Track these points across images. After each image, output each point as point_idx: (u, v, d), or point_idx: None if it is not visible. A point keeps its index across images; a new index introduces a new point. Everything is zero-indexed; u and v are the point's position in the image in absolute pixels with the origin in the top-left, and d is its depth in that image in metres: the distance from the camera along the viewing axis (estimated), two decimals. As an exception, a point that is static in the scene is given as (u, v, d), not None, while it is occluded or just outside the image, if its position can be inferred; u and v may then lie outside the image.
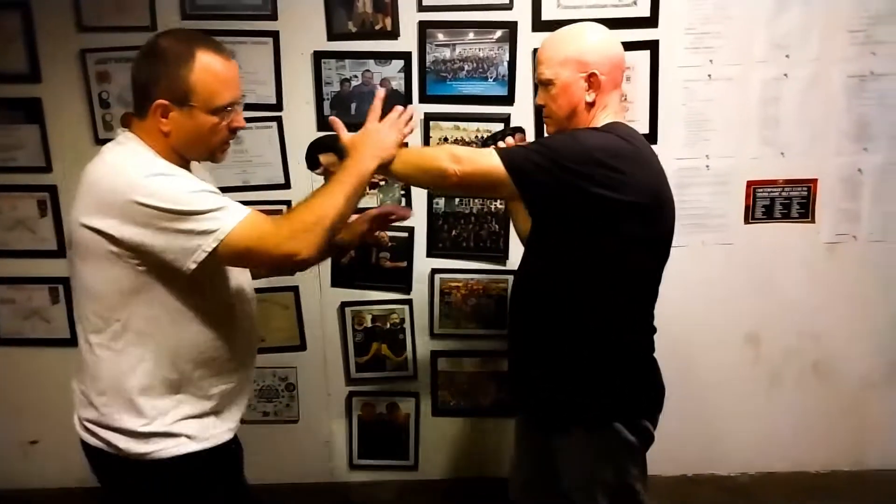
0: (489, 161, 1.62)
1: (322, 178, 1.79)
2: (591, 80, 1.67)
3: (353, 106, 2.50)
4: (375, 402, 2.79)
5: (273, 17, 2.47)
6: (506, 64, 2.48)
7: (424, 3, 2.45)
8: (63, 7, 2.45)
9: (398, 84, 2.50)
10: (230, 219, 1.41)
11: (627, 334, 1.71)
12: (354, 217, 1.88)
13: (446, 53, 2.48)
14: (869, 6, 2.46)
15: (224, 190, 1.55)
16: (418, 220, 2.58)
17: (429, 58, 2.48)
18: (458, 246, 2.64)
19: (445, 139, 2.51)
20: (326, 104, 2.52)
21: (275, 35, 2.47)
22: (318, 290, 2.68)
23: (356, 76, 2.50)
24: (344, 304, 2.69)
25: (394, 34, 2.48)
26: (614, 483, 1.71)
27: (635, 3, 2.44)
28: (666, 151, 2.50)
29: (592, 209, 1.58)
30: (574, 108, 1.70)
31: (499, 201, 2.56)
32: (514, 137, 1.91)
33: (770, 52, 2.49)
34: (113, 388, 1.49)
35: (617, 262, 1.63)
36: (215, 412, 1.59)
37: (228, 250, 1.41)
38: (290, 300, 2.67)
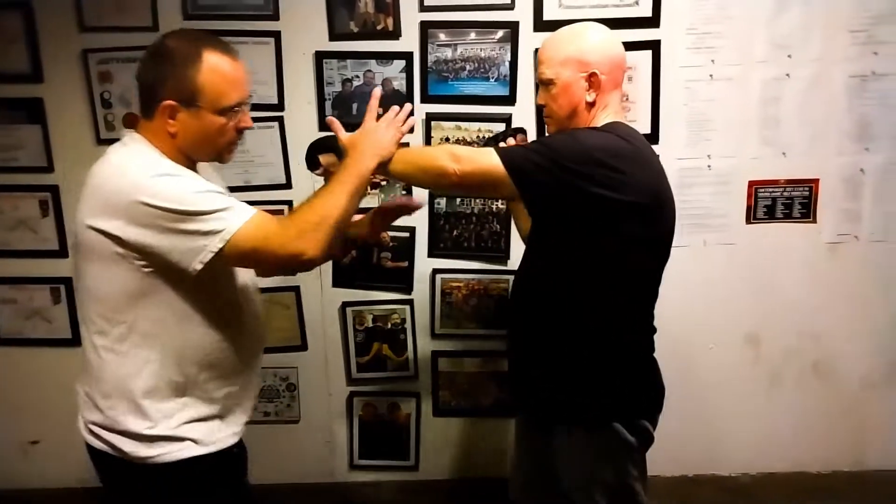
0: (489, 160, 1.62)
1: (322, 178, 1.79)
2: (592, 80, 1.67)
3: (355, 106, 2.50)
4: (376, 403, 2.79)
5: (275, 17, 2.47)
6: (507, 64, 2.48)
7: (426, 4, 2.45)
8: (65, 7, 2.45)
9: (400, 84, 2.51)
10: (236, 219, 1.40)
11: (627, 334, 1.70)
12: (358, 217, 1.87)
13: (448, 53, 2.48)
14: (870, 6, 2.46)
15: (225, 190, 1.55)
16: (420, 220, 2.58)
17: (430, 58, 2.48)
18: (460, 246, 2.64)
19: (447, 139, 2.51)
20: (328, 104, 2.52)
21: (276, 35, 2.47)
22: (319, 290, 2.68)
23: (358, 76, 2.50)
24: (345, 304, 2.69)
25: (395, 34, 2.48)
26: (614, 483, 1.71)
27: (637, 3, 2.44)
28: (667, 151, 2.51)
29: (592, 209, 1.58)
30: (574, 108, 1.70)
31: (500, 201, 2.56)
32: (515, 138, 1.91)
33: (771, 52, 2.49)
34: (118, 391, 1.48)
35: (617, 262, 1.63)
36: (221, 416, 1.59)
37: (234, 251, 1.40)
38: (291, 300, 2.67)
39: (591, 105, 1.69)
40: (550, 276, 1.70)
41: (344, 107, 2.50)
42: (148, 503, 1.56)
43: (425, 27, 2.46)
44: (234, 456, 1.63)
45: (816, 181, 2.59)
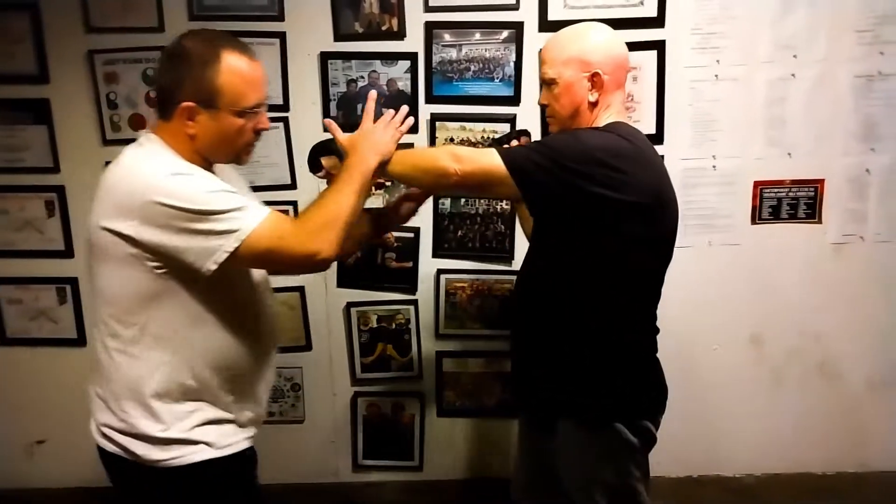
0: (490, 160, 1.62)
1: (324, 181, 1.81)
2: (595, 80, 1.67)
3: (360, 107, 2.50)
4: (381, 403, 2.79)
5: (280, 17, 2.47)
6: (512, 64, 2.48)
7: (431, 4, 2.45)
8: (71, 8, 2.46)
9: (404, 84, 2.51)
10: (251, 219, 1.40)
11: (628, 334, 1.70)
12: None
13: (452, 54, 2.48)
14: (876, 6, 2.45)
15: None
16: (424, 220, 2.58)
17: (435, 58, 2.48)
18: (464, 246, 2.64)
19: (451, 139, 2.51)
20: (333, 105, 2.52)
21: (281, 36, 2.48)
22: (323, 290, 2.68)
23: (363, 77, 2.51)
24: (349, 305, 2.69)
25: (400, 35, 2.48)
26: (615, 484, 1.71)
27: (642, 3, 2.44)
28: (672, 152, 2.51)
29: (593, 209, 1.58)
30: (577, 108, 1.70)
31: (504, 202, 2.56)
32: (518, 140, 1.91)
33: (777, 52, 2.49)
34: (130, 393, 1.48)
35: (618, 262, 1.63)
36: (234, 419, 1.58)
37: (249, 251, 1.40)
38: (295, 300, 2.67)
39: (593, 105, 1.70)
40: (552, 276, 1.71)
41: (349, 107, 2.51)
42: None
43: (430, 28, 2.46)
44: (247, 459, 1.62)
45: (822, 182, 2.58)
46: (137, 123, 2.52)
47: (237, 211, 1.40)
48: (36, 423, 2.80)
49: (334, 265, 2.63)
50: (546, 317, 1.72)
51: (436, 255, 2.65)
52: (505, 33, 2.46)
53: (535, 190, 1.61)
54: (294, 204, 2.55)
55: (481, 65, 2.48)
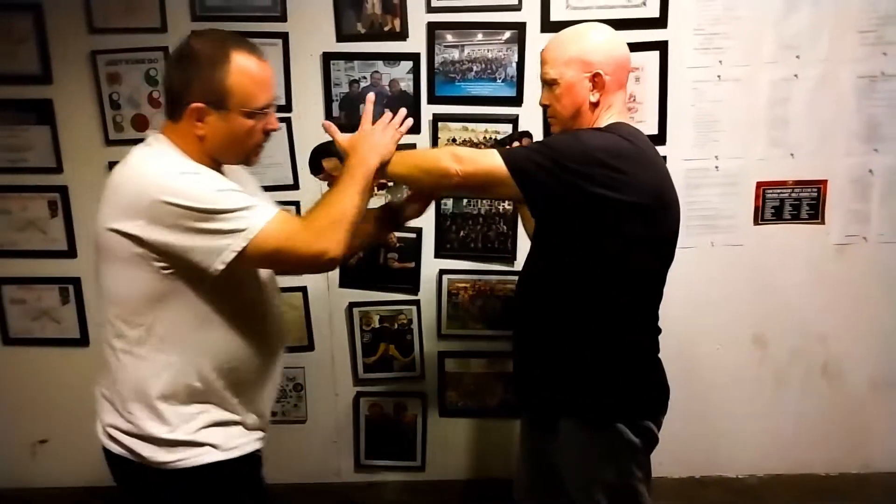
0: (491, 161, 1.62)
1: (325, 183, 1.81)
2: (596, 81, 1.67)
3: (362, 107, 2.49)
4: (383, 403, 2.79)
5: (282, 18, 2.47)
6: (514, 65, 2.48)
7: (433, 5, 2.45)
8: (74, 9, 2.47)
9: (407, 85, 2.51)
10: (259, 218, 1.39)
11: (629, 335, 1.70)
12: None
13: (455, 54, 2.48)
14: (879, 6, 2.45)
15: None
16: (426, 221, 2.57)
17: (437, 59, 2.48)
18: (466, 247, 2.64)
19: (454, 140, 2.51)
20: (335, 105, 2.52)
21: (284, 36, 2.48)
22: (326, 290, 2.69)
23: (365, 77, 2.51)
24: (352, 305, 2.70)
25: (402, 35, 2.48)
26: (616, 484, 1.71)
27: (644, 3, 2.44)
28: (675, 152, 2.51)
29: (593, 209, 1.58)
30: (578, 109, 1.70)
31: (506, 202, 2.56)
32: (520, 142, 1.91)
33: (779, 52, 2.48)
34: (136, 394, 1.47)
35: (619, 262, 1.63)
36: (241, 421, 1.57)
37: (257, 250, 1.39)
38: (298, 300, 2.67)
39: (594, 105, 1.70)
40: (553, 277, 1.71)
41: (351, 108, 2.51)
42: None
43: (432, 28, 2.46)
44: (255, 461, 1.62)
45: (825, 182, 2.58)
46: (140, 124, 2.53)
47: (245, 210, 1.39)
48: (38, 423, 2.81)
49: (337, 265, 2.63)
50: (547, 317, 1.72)
51: (438, 255, 2.65)
52: (507, 34, 2.46)
53: (535, 190, 1.61)
54: (297, 204, 2.55)
55: (483, 65, 2.48)
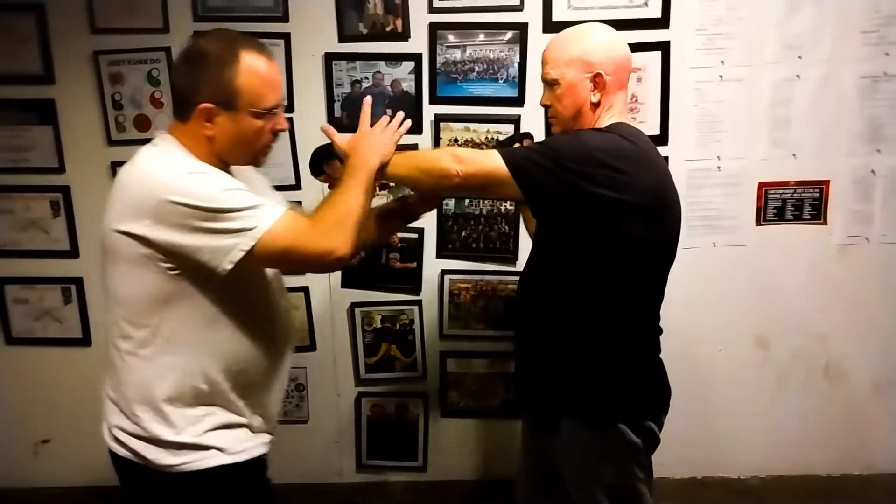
0: (492, 161, 1.62)
1: (326, 185, 1.81)
2: (597, 81, 1.67)
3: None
4: (384, 403, 2.79)
5: (284, 18, 2.48)
6: (516, 65, 2.48)
7: (435, 5, 2.45)
8: (77, 9, 2.47)
9: (409, 85, 2.51)
10: (267, 217, 1.38)
11: (629, 335, 1.70)
12: None
13: (457, 55, 2.48)
14: (882, 6, 2.44)
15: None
16: (428, 221, 2.58)
17: (439, 59, 2.49)
18: (468, 247, 2.64)
19: (455, 140, 2.51)
20: (337, 105, 2.53)
21: (286, 37, 2.48)
22: (328, 290, 2.69)
23: (367, 78, 2.51)
24: (354, 305, 2.70)
25: (404, 36, 2.48)
26: (617, 484, 1.71)
27: (646, 4, 2.44)
28: (677, 152, 2.51)
29: (593, 209, 1.58)
30: (579, 109, 1.70)
31: (508, 203, 2.56)
32: (521, 144, 1.91)
33: (782, 52, 2.48)
34: (142, 397, 1.46)
35: (618, 262, 1.63)
36: (248, 424, 1.56)
37: (265, 249, 1.38)
38: (300, 301, 2.67)
39: (595, 106, 1.70)
40: (553, 277, 1.71)
41: (353, 108, 2.50)
42: None
43: (434, 28, 2.47)
44: (261, 465, 1.60)
45: (827, 183, 2.57)
46: (142, 124, 2.53)
47: (253, 209, 1.38)
48: (41, 423, 2.81)
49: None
50: (547, 317, 1.72)
51: (440, 255, 2.65)
52: (509, 34, 2.46)
53: (536, 191, 1.61)
54: (299, 204, 2.55)
55: (485, 66, 2.48)
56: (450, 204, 2.60)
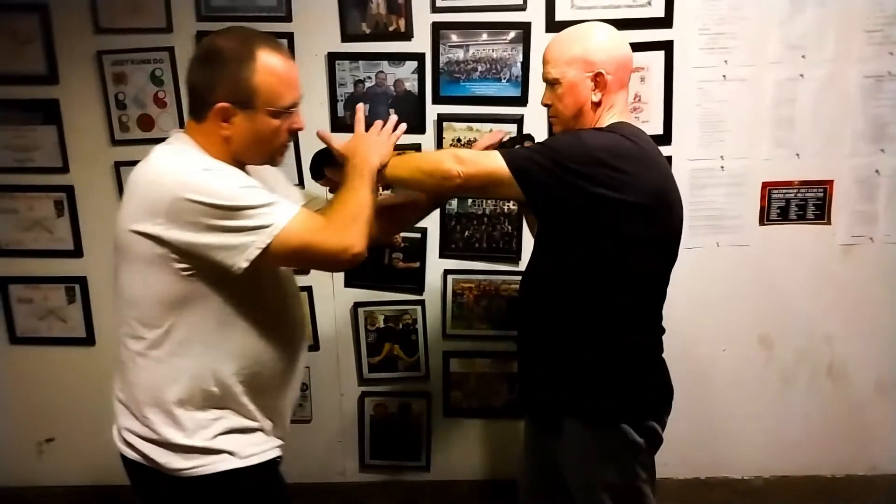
0: (493, 162, 1.63)
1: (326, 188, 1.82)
2: (598, 80, 1.67)
3: (367, 107, 2.49)
4: (388, 403, 2.79)
5: (287, 18, 2.48)
6: (519, 65, 2.48)
7: (438, 5, 2.45)
8: (80, 9, 2.48)
9: (412, 85, 2.51)
10: (283, 214, 1.37)
11: (630, 335, 1.70)
12: None
13: (460, 54, 2.48)
14: (886, 6, 2.44)
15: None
16: (431, 221, 2.57)
17: (442, 59, 2.48)
18: (471, 247, 2.63)
19: (458, 140, 2.51)
20: (340, 105, 2.53)
21: (289, 36, 2.48)
22: (331, 290, 2.69)
23: (370, 77, 2.51)
24: (357, 305, 2.70)
25: (407, 35, 2.48)
26: (620, 484, 1.70)
27: (650, 3, 2.43)
28: (680, 152, 2.51)
29: (594, 209, 1.58)
30: (580, 108, 1.70)
31: (511, 202, 2.56)
32: (523, 145, 1.91)
33: (785, 52, 2.48)
34: (153, 399, 1.45)
35: (619, 262, 1.63)
36: (260, 427, 1.54)
37: (282, 247, 1.36)
38: (303, 300, 2.67)
39: (596, 105, 1.69)
40: (554, 277, 1.71)
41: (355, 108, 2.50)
42: None
43: (437, 28, 2.47)
44: (274, 470, 1.58)
45: (831, 182, 2.57)
46: (145, 124, 2.54)
47: (269, 206, 1.37)
48: (45, 422, 2.82)
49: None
50: (548, 317, 1.72)
51: (443, 255, 2.65)
52: (512, 34, 2.46)
53: (537, 191, 1.61)
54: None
55: (488, 65, 2.48)
56: (453, 204, 2.60)
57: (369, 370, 2.75)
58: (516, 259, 2.63)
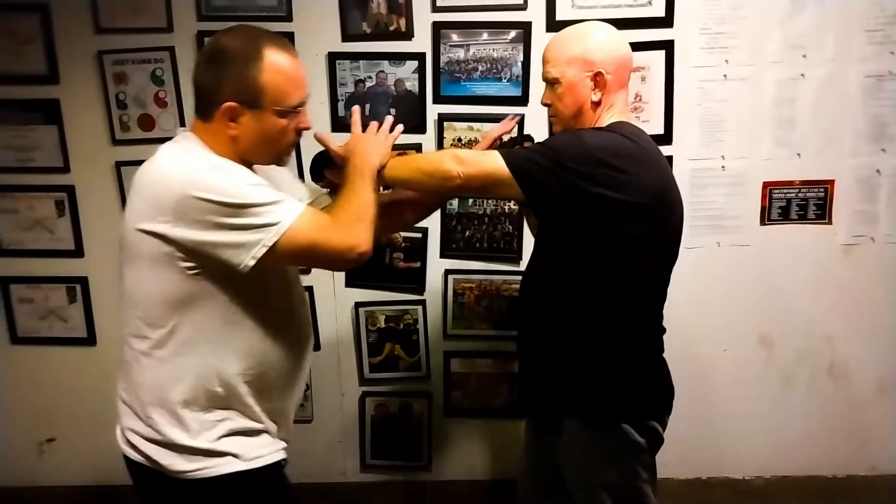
0: (493, 163, 1.63)
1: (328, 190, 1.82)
2: (597, 80, 1.67)
3: (368, 107, 2.50)
4: (388, 403, 2.79)
5: (288, 18, 2.48)
6: (520, 64, 2.48)
7: (438, 4, 2.45)
8: (81, 9, 2.48)
9: (412, 85, 2.51)
10: (290, 213, 1.37)
11: (629, 335, 1.69)
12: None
13: (460, 54, 2.48)
14: (886, 5, 2.44)
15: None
16: (432, 220, 2.57)
17: (443, 58, 2.48)
18: (472, 247, 2.63)
19: (459, 140, 2.51)
20: (341, 105, 2.53)
21: (289, 36, 2.47)
22: (332, 290, 2.69)
23: (370, 77, 2.51)
24: (358, 305, 2.70)
25: (408, 35, 2.48)
26: (621, 485, 1.70)
27: (650, 3, 2.43)
28: (681, 152, 2.51)
29: (594, 209, 1.58)
30: (580, 108, 1.70)
31: (512, 202, 2.56)
32: (522, 146, 1.91)
33: (786, 52, 2.48)
34: (157, 399, 1.44)
35: (618, 262, 1.63)
36: (265, 430, 1.53)
37: (289, 245, 1.36)
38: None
39: (596, 105, 1.69)
40: (554, 277, 1.71)
41: (356, 108, 2.50)
42: None
43: (438, 28, 2.47)
44: (278, 472, 1.56)
45: (832, 182, 2.57)
46: (146, 124, 2.54)
47: (276, 204, 1.36)
48: (46, 422, 2.82)
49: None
50: (548, 317, 1.72)
51: (443, 255, 2.65)
52: (512, 33, 2.46)
53: (537, 191, 1.61)
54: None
55: (489, 65, 2.48)
56: (454, 204, 2.60)
57: (370, 370, 2.75)
58: (517, 259, 2.63)
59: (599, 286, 1.65)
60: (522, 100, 2.50)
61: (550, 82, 1.72)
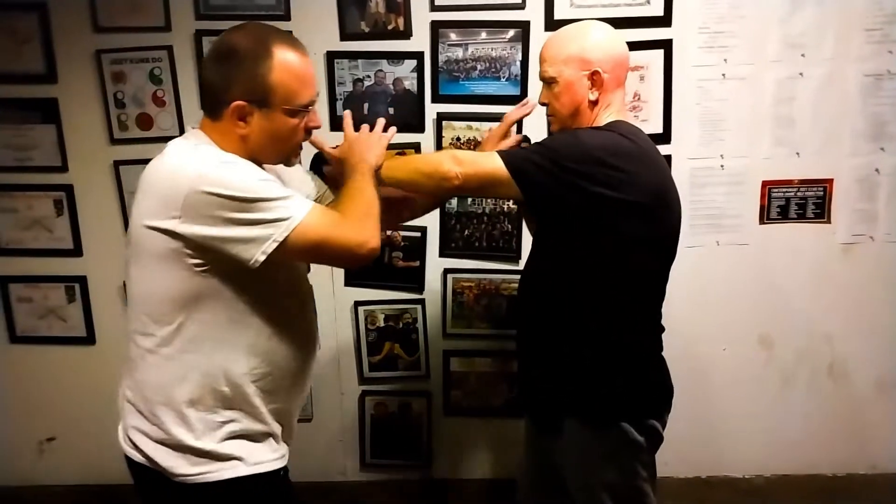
0: (492, 163, 1.63)
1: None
2: (594, 79, 1.67)
3: (366, 106, 2.50)
4: (388, 402, 2.79)
5: (286, 17, 2.47)
6: (518, 63, 2.47)
7: (437, 3, 2.45)
8: (79, 8, 2.47)
9: (411, 84, 2.51)
10: (300, 208, 1.36)
11: (629, 334, 1.69)
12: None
13: (459, 53, 2.48)
14: (885, 4, 2.43)
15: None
16: (431, 219, 2.57)
17: (441, 57, 2.48)
18: (471, 246, 2.63)
19: (458, 139, 2.51)
20: (339, 104, 2.52)
21: (288, 35, 2.48)
22: (331, 289, 2.68)
23: (369, 76, 2.51)
24: (357, 304, 2.70)
25: (406, 34, 2.48)
26: (620, 484, 1.70)
27: (648, 2, 2.43)
28: (680, 151, 2.51)
29: (592, 208, 1.58)
30: (577, 107, 1.70)
31: (511, 201, 2.55)
32: (520, 147, 1.91)
33: (785, 51, 2.47)
34: (163, 397, 1.42)
35: (617, 262, 1.63)
36: (270, 432, 1.51)
37: (300, 241, 1.35)
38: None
39: (593, 104, 1.69)
40: (552, 276, 1.71)
41: (355, 107, 2.50)
42: None
43: (436, 27, 2.46)
44: (282, 476, 1.54)
45: (831, 181, 2.56)
46: (144, 123, 2.54)
47: (286, 199, 1.35)
48: (46, 421, 2.82)
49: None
50: (547, 316, 1.72)
51: (442, 254, 2.65)
52: (511, 32, 2.45)
53: (535, 191, 1.61)
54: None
55: (487, 64, 2.48)
56: (453, 203, 2.60)
57: (370, 369, 2.75)
58: (516, 258, 2.62)
59: (598, 285, 1.64)
60: (521, 99, 2.48)
61: (547, 81, 1.72)
